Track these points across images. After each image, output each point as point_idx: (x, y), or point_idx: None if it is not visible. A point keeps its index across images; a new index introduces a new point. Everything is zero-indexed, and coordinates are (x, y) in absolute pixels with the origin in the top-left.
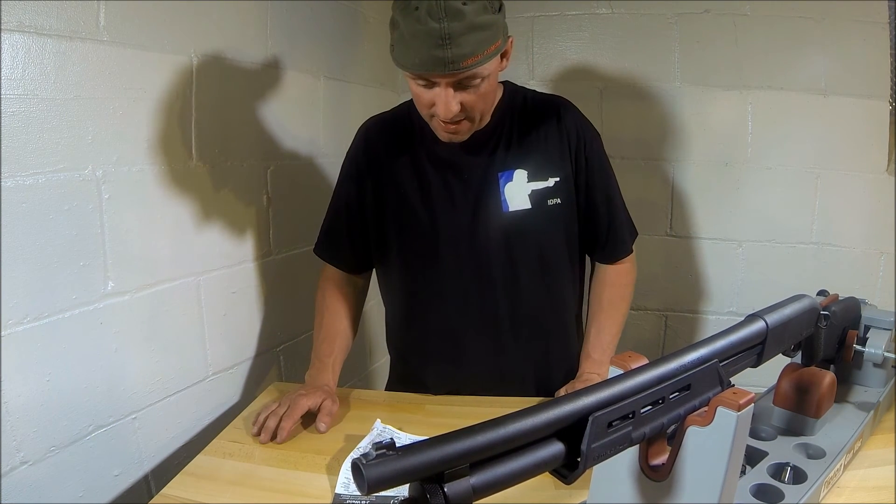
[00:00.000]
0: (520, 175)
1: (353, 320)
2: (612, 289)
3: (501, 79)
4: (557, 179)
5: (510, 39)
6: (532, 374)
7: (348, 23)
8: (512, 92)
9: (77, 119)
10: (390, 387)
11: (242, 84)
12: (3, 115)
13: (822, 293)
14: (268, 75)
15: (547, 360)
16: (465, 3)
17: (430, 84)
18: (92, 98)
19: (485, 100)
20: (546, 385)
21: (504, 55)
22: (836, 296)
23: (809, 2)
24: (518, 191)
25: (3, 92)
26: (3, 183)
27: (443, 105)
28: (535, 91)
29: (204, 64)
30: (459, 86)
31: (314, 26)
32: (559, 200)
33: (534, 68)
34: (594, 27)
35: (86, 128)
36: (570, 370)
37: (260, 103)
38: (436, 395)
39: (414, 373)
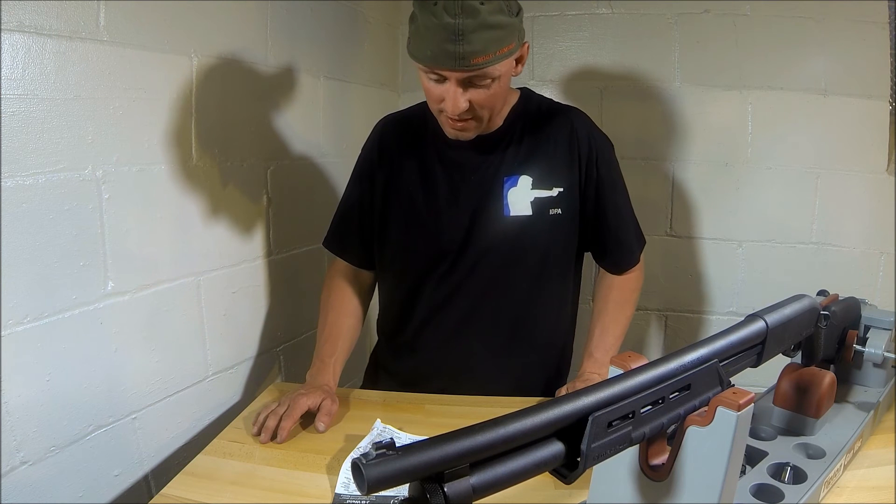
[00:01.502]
0: (524, 181)
1: (357, 319)
2: (618, 292)
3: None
4: (561, 190)
5: (525, 45)
6: (517, 378)
7: (348, 23)
8: (527, 98)
9: (77, 119)
10: (368, 373)
11: (242, 84)
12: (3, 115)
13: (822, 293)
14: (268, 75)
15: (534, 367)
16: (482, 3)
17: (441, 79)
18: (92, 98)
19: (494, 101)
20: (528, 391)
21: (519, 60)
22: (836, 296)
23: (809, 2)
24: (521, 196)
25: (3, 92)
26: (3, 183)
27: (451, 101)
28: (550, 100)
29: (204, 64)
30: (469, 84)
31: (314, 26)
32: (560, 211)
33: (534, 68)
34: (594, 27)
35: (86, 128)
36: (558, 377)
37: (260, 103)
38: (423, 392)
39: (402, 366)
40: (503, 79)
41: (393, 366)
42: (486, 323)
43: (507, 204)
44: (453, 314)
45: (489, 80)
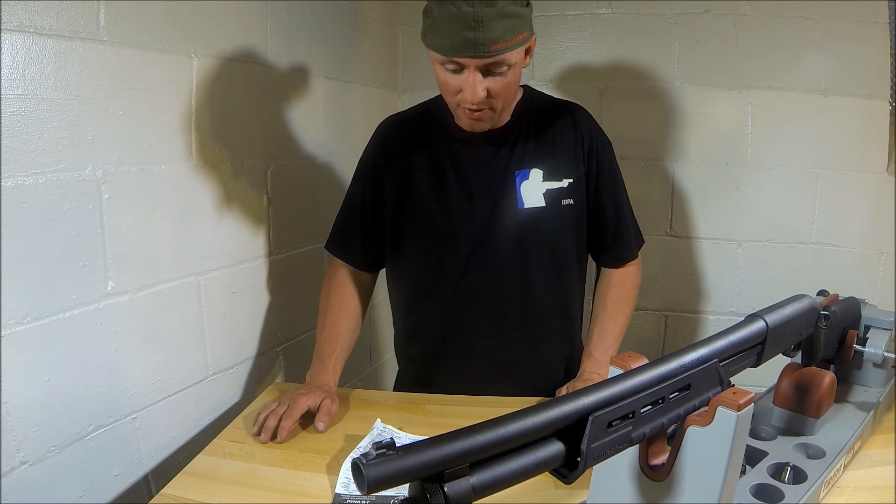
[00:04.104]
0: (535, 174)
1: (357, 319)
2: (617, 291)
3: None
4: (571, 181)
5: (533, 37)
6: (539, 370)
7: (348, 23)
8: (530, 95)
9: (77, 119)
10: (402, 380)
11: (242, 84)
12: (3, 115)
13: (822, 293)
14: (268, 75)
15: (554, 357)
16: None
17: (459, 69)
18: (92, 98)
19: (508, 91)
20: (554, 382)
21: (528, 51)
22: (836, 296)
23: (809, 2)
24: (533, 189)
25: (3, 92)
26: (3, 183)
27: (470, 89)
28: (551, 96)
29: (204, 64)
30: (487, 72)
31: (314, 26)
32: (571, 201)
33: (534, 68)
34: (594, 27)
35: (86, 128)
36: (576, 368)
37: (260, 103)
38: (443, 393)
39: (423, 374)
40: (517, 67)
41: (421, 380)
42: (508, 317)
43: (521, 197)
44: (473, 313)
45: (506, 68)
